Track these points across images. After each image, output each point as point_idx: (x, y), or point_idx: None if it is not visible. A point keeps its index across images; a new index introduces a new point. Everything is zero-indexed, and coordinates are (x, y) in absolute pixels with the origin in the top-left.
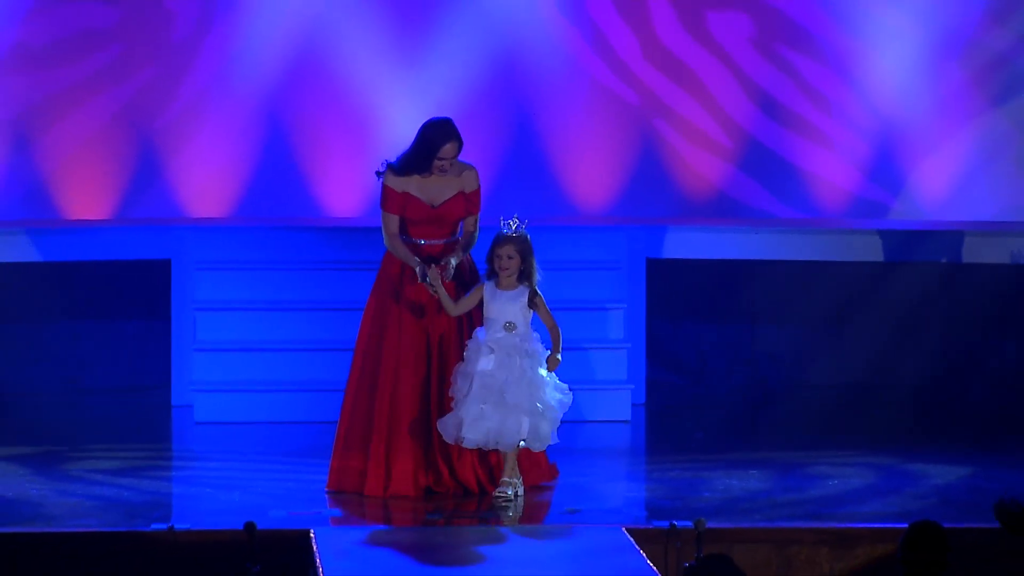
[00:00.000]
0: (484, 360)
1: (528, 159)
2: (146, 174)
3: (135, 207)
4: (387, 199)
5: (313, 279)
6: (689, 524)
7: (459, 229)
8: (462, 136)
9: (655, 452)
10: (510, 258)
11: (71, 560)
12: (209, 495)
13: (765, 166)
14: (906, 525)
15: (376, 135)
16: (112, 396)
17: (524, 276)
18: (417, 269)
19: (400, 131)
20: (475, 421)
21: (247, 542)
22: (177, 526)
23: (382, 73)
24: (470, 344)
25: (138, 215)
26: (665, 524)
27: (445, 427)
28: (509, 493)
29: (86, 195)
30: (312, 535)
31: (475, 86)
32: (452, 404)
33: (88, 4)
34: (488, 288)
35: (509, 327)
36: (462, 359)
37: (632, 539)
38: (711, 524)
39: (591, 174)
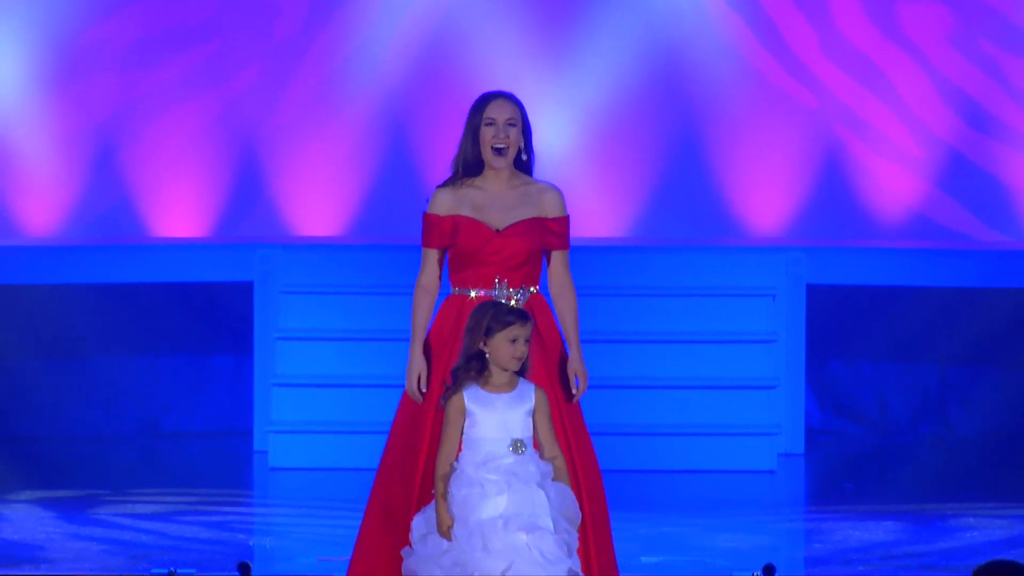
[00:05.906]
0: (492, 503)
1: (689, 171)
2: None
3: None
4: (427, 230)
5: None
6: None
7: (535, 279)
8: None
9: (789, 503)
10: (527, 342)
11: None
12: (239, 541)
13: (965, 182)
14: None
15: None
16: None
17: (523, 369)
18: (414, 385)
19: (545, 143)
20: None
21: None
22: (179, 571)
23: (522, 74)
24: (457, 480)
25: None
26: (747, 573)
27: None
28: None
29: (177, 212)
30: None
31: (629, 88)
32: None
33: None
34: (471, 395)
35: (519, 447)
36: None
37: None
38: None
39: (757, 187)
